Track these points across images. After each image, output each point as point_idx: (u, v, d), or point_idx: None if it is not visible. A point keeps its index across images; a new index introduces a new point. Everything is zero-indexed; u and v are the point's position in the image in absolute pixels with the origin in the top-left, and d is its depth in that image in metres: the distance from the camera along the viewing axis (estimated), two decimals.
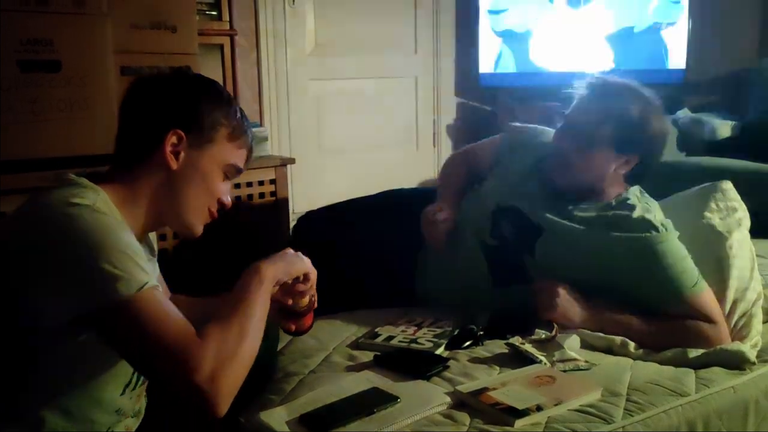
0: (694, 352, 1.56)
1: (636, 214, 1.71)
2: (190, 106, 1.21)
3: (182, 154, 1.20)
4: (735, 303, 1.71)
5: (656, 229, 1.68)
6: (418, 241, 1.92)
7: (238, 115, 1.26)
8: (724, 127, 3.31)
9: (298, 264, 1.26)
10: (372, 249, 1.95)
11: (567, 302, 1.67)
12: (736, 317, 1.70)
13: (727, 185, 1.88)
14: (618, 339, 1.62)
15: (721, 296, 1.70)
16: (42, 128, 1.96)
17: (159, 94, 1.23)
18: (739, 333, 1.68)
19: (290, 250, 1.27)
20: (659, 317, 1.66)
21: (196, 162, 1.21)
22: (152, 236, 1.37)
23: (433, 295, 1.89)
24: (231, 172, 1.27)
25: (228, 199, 1.29)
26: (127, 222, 1.17)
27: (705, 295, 1.65)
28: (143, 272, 1.05)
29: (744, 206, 1.86)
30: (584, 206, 1.77)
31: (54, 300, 1.03)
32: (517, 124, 2.19)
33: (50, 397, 1.11)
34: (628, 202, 1.75)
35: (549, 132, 1.95)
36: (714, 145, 3.30)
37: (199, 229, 1.27)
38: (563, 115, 1.83)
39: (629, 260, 1.67)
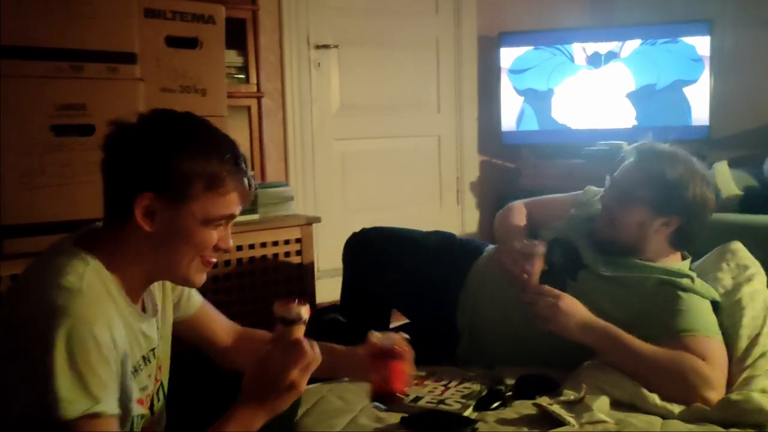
0: (711, 412, 1.52)
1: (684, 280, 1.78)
2: (157, 164, 1.13)
3: (158, 214, 1.14)
4: (747, 349, 1.72)
5: (691, 280, 1.77)
6: (461, 279, 2.04)
7: (216, 160, 1.16)
8: (750, 183, 3.28)
9: (293, 396, 1.15)
10: (420, 278, 2.08)
11: (569, 306, 1.70)
12: (749, 360, 1.69)
13: (737, 245, 1.96)
14: (634, 392, 1.60)
15: (732, 343, 1.72)
16: (74, 191, 2.00)
17: (125, 153, 1.16)
18: (751, 375, 1.66)
19: (289, 375, 1.13)
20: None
21: (174, 221, 1.15)
22: (158, 289, 1.34)
23: (473, 326, 1.98)
24: (220, 221, 1.19)
25: (227, 244, 1.22)
26: (122, 284, 1.17)
27: (711, 342, 1.66)
28: (89, 397, 1.01)
29: (757, 263, 1.92)
30: (629, 259, 1.85)
31: (6, 391, 1.02)
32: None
33: None
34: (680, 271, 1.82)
35: None
36: (741, 201, 3.27)
37: (197, 281, 1.23)
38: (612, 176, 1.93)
39: (655, 300, 1.75)
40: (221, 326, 1.52)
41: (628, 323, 1.73)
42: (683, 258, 1.91)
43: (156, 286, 1.33)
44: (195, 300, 1.46)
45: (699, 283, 1.78)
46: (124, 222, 1.15)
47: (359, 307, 2.17)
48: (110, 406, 1.05)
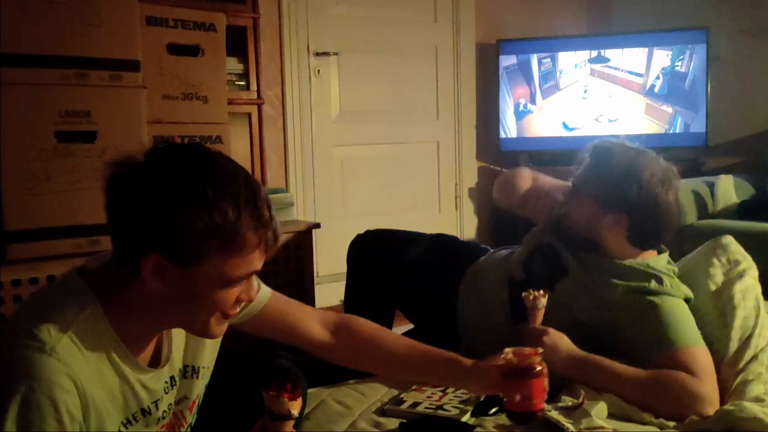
0: (707, 423, 1.52)
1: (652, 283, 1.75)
2: (163, 224, 0.99)
3: (168, 273, 1.01)
4: (738, 352, 1.70)
5: (659, 280, 1.74)
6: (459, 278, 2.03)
7: (233, 212, 0.99)
8: (747, 190, 3.31)
9: None
10: (422, 281, 2.08)
11: (553, 341, 1.67)
12: (741, 364, 1.68)
13: (728, 239, 1.91)
14: (629, 407, 1.61)
15: (723, 345, 1.70)
16: (77, 196, 2.02)
17: (128, 208, 1.02)
18: (744, 380, 1.65)
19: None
20: (646, 367, 1.65)
21: (187, 282, 1.02)
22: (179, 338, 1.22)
23: (467, 331, 1.99)
24: (240, 280, 1.06)
25: (249, 297, 1.10)
26: (123, 334, 1.07)
27: (696, 352, 1.64)
28: None
29: (748, 257, 1.88)
30: (598, 257, 1.83)
31: None
32: None
33: None
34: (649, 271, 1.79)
35: None
36: (738, 208, 3.30)
37: (216, 333, 1.12)
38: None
39: (629, 309, 1.73)
40: (309, 316, 1.40)
41: (605, 332, 1.74)
42: (660, 253, 1.87)
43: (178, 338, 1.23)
44: (262, 295, 1.34)
45: (668, 282, 1.74)
46: (133, 274, 1.03)
47: (362, 308, 2.18)
48: None
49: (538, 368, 1.31)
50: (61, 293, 1.06)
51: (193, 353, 1.24)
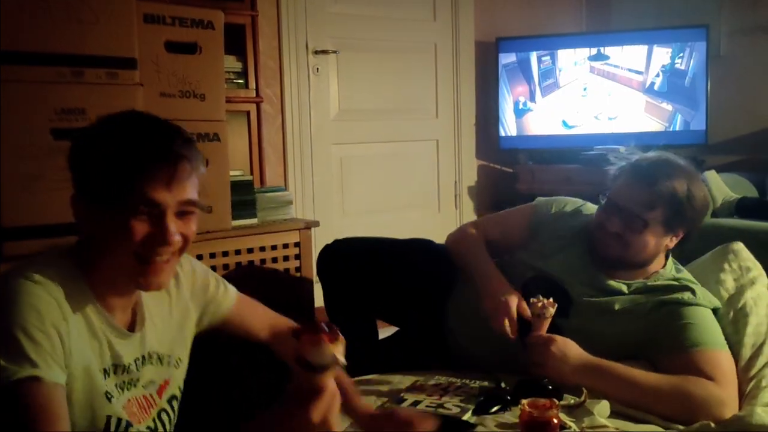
0: (714, 427, 1.49)
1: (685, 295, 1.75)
2: (77, 166, 1.16)
3: (91, 216, 1.15)
4: (751, 359, 1.69)
5: (692, 292, 1.74)
6: (442, 285, 1.98)
7: (124, 142, 1.12)
8: (746, 187, 3.30)
9: None
10: (399, 287, 2.03)
11: (561, 349, 1.64)
12: (753, 371, 1.67)
13: (738, 246, 1.92)
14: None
15: (736, 352, 1.69)
16: None
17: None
18: (757, 386, 1.64)
19: None
20: (666, 372, 1.63)
21: (98, 218, 1.14)
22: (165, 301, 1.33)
23: (465, 353, 1.92)
24: (138, 209, 1.12)
25: (164, 237, 1.13)
26: (95, 292, 1.16)
27: (721, 356, 1.64)
28: (28, 364, 1.01)
29: (758, 264, 1.89)
30: (625, 281, 1.81)
31: None
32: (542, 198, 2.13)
33: None
34: (675, 282, 1.79)
35: (576, 201, 2.02)
36: (737, 205, 3.29)
37: (143, 284, 1.18)
38: (605, 195, 1.85)
39: (658, 318, 1.71)
40: (256, 322, 1.51)
41: (632, 347, 1.71)
42: (666, 257, 1.88)
43: (167, 299, 1.33)
44: (228, 301, 1.45)
45: (700, 294, 1.75)
46: (88, 230, 1.18)
47: (343, 319, 2.14)
48: (51, 374, 1.03)
49: (555, 421, 1.32)
50: (45, 255, 1.17)
51: (159, 339, 1.31)
